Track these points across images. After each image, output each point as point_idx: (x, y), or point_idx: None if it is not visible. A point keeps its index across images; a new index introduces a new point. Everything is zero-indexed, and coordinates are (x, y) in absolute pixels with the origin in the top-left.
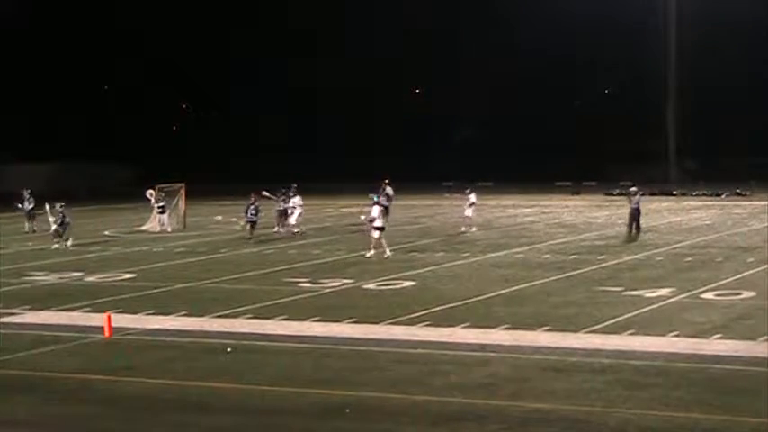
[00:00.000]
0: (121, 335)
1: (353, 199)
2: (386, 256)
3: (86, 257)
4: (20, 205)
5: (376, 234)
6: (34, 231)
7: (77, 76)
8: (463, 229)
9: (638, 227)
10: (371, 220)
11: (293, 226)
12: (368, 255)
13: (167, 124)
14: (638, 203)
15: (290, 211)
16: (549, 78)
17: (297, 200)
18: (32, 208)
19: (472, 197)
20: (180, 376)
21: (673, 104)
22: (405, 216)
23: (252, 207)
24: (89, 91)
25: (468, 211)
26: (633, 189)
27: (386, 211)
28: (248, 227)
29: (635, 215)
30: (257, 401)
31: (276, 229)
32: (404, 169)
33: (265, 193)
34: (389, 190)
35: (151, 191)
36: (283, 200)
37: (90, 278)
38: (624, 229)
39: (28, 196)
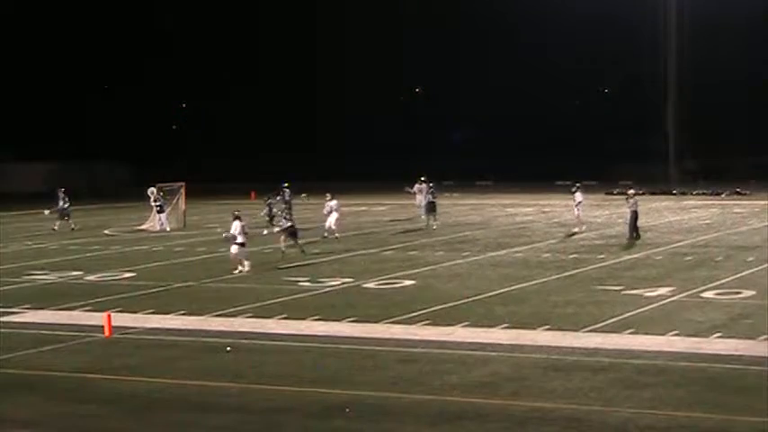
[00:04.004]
0: (121, 334)
1: (353, 198)
2: (239, 270)
3: (86, 256)
4: (56, 207)
5: (234, 249)
6: (72, 229)
7: (78, 75)
8: (575, 229)
9: (636, 231)
10: (233, 238)
11: (332, 230)
12: (236, 271)
13: (167, 124)
14: (635, 206)
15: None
16: (549, 78)
17: (334, 203)
18: (67, 207)
19: (578, 196)
20: (180, 375)
21: (673, 104)
22: (404, 215)
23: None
24: (89, 91)
25: (577, 211)
26: (631, 191)
27: (432, 207)
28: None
29: (633, 218)
30: (257, 400)
31: (266, 232)
32: (403, 169)
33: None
34: (424, 188)
35: (152, 189)
36: (273, 202)
37: (90, 277)
38: (626, 231)
39: (63, 195)
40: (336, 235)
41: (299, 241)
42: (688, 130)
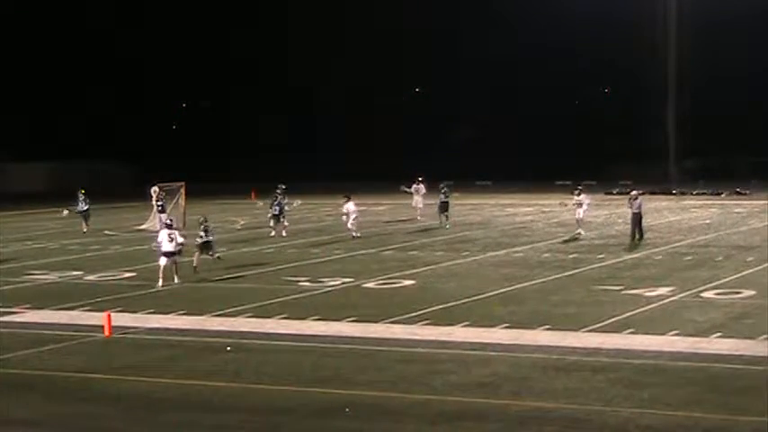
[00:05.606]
0: (121, 334)
1: (353, 198)
2: (159, 285)
3: (86, 256)
4: (75, 207)
5: (162, 261)
6: (84, 232)
7: (77, 75)
8: (579, 231)
9: (640, 232)
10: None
11: (352, 230)
12: (159, 284)
13: (167, 124)
14: (639, 207)
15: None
16: (549, 78)
17: (350, 206)
18: (86, 208)
19: (584, 197)
20: (180, 375)
21: (672, 103)
22: (404, 215)
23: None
24: (89, 90)
25: (580, 212)
26: (634, 193)
27: (444, 207)
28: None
29: (637, 220)
30: (257, 400)
31: (272, 234)
32: (404, 169)
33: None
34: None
35: (155, 188)
36: (278, 202)
37: (90, 277)
38: (628, 234)
39: (83, 197)
40: (353, 234)
41: (215, 254)
42: (688, 130)
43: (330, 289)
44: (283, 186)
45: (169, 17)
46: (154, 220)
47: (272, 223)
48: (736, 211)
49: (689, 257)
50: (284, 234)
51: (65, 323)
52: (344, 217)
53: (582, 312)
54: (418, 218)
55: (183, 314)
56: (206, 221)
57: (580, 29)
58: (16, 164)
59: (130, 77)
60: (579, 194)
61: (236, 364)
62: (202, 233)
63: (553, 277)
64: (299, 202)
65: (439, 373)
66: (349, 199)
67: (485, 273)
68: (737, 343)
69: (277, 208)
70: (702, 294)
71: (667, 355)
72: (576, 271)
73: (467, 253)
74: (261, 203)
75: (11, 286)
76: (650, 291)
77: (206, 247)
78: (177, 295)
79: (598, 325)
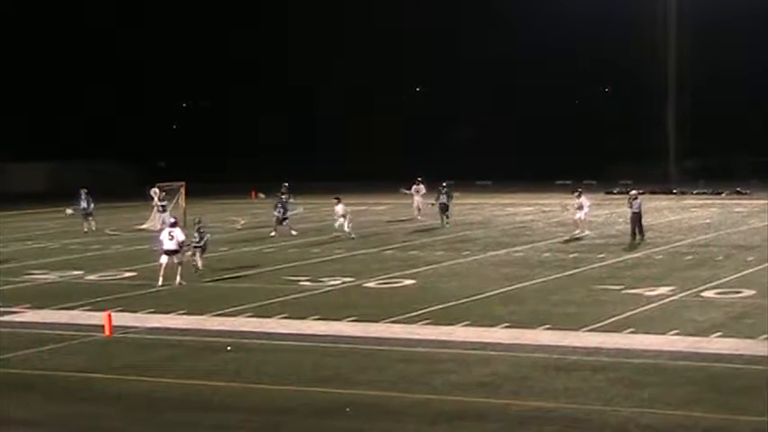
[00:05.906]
0: (122, 333)
1: (353, 198)
2: (159, 283)
3: (87, 256)
4: (78, 206)
5: (163, 259)
6: (86, 232)
7: (77, 75)
8: (577, 232)
9: (641, 231)
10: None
11: (347, 232)
12: (159, 284)
13: (167, 124)
14: (639, 207)
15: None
16: (549, 78)
17: (339, 208)
18: (89, 207)
19: (584, 200)
20: (180, 375)
21: (672, 103)
22: (404, 215)
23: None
24: (89, 90)
25: (580, 214)
26: (633, 192)
27: (444, 207)
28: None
29: (636, 219)
30: (257, 400)
31: (273, 234)
32: (404, 169)
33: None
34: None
35: (155, 189)
36: (281, 203)
37: (90, 276)
38: (628, 234)
39: (84, 196)
40: (352, 236)
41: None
42: (688, 130)
43: (330, 289)
44: (286, 185)
45: (169, 17)
46: (154, 220)
47: (274, 221)
48: (737, 210)
49: (689, 257)
50: (293, 233)
51: (65, 323)
52: (339, 218)
53: (582, 312)
54: (418, 218)
55: (184, 314)
56: (200, 222)
57: (580, 29)
58: (16, 164)
59: (130, 77)
60: (579, 196)
61: (237, 363)
62: (197, 234)
63: (553, 277)
64: (302, 209)
65: (439, 372)
66: (339, 201)
67: (485, 272)
68: (737, 342)
69: (281, 210)
70: (702, 294)
71: (667, 355)
72: (577, 270)
73: (467, 252)
74: (263, 195)
75: (11, 286)
76: (650, 290)
77: (203, 248)
78: (177, 295)
79: (598, 324)
